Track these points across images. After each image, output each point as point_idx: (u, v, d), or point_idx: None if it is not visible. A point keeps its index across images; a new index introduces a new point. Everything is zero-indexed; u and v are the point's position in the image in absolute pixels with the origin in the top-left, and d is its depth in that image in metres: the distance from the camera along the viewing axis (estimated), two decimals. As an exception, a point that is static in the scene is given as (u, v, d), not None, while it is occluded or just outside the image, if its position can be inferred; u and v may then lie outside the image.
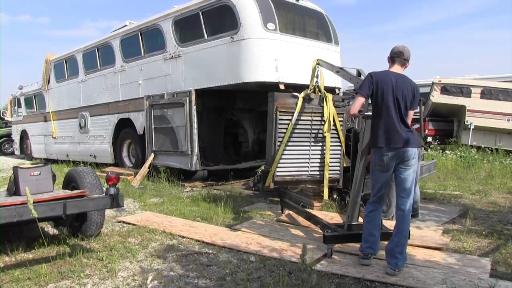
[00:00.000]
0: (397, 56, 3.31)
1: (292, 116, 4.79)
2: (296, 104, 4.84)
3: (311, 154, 4.96)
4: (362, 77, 3.81)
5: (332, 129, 4.94)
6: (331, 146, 4.89)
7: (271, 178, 4.83)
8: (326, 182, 4.84)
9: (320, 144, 4.96)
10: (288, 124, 4.82)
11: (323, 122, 4.92)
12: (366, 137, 3.64)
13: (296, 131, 4.85)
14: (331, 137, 4.91)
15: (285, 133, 4.81)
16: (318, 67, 4.84)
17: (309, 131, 4.93)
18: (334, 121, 4.90)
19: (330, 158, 4.86)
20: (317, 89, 4.93)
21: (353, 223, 3.79)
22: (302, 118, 4.84)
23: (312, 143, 4.96)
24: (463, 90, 12.01)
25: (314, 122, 4.91)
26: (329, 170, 4.85)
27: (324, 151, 4.93)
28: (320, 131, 4.95)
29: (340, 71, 4.66)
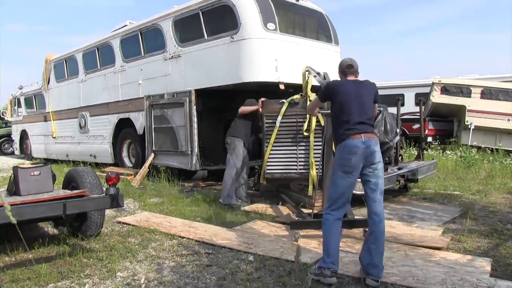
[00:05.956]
0: (349, 69, 3.38)
1: (276, 119, 5.37)
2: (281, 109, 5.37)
3: (299, 153, 5.35)
4: (327, 79, 4.08)
5: (318, 129, 5.21)
6: (319, 145, 5.10)
7: (263, 175, 5.46)
8: (311, 179, 5.20)
9: (305, 143, 5.25)
10: (274, 126, 5.38)
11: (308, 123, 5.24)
12: (329, 131, 3.99)
13: (282, 132, 5.39)
14: (319, 137, 5.15)
15: (271, 134, 5.37)
16: (307, 73, 5.33)
17: (295, 132, 5.37)
18: (318, 121, 5.20)
19: (318, 156, 5.04)
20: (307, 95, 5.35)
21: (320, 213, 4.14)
22: (287, 120, 5.40)
23: (299, 143, 5.34)
24: (463, 90, 12.01)
25: (299, 124, 5.35)
26: (316, 168, 5.00)
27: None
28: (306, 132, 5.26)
29: (316, 76, 5.20)
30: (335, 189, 3.14)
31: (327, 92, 3.41)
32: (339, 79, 3.52)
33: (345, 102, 3.20)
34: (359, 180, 3.18)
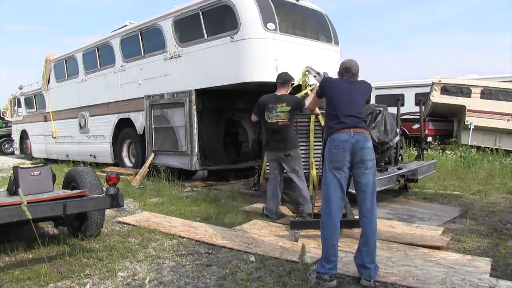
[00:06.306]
0: (346, 72, 3.34)
1: None
2: None
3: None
4: None
5: (319, 129, 5.22)
6: (319, 145, 5.10)
7: (263, 175, 5.46)
8: (311, 179, 5.20)
9: (305, 143, 5.27)
10: None
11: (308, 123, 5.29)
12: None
13: None
14: (319, 137, 5.15)
15: None
16: (307, 73, 5.54)
17: (294, 131, 5.26)
18: (318, 121, 5.21)
19: (318, 156, 5.04)
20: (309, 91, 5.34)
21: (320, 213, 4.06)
22: None
23: (299, 143, 5.29)
24: (463, 90, 12.02)
25: (299, 123, 5.38)
26: (316, 168, 5.00)
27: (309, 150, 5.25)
28: (305, 132, 5.27)
29: (316, 76, 5.30)
30: (327, 188, 3.07)
31: (321, 87, 3.45)
32: None
33: (335, 97, 3.22)
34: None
